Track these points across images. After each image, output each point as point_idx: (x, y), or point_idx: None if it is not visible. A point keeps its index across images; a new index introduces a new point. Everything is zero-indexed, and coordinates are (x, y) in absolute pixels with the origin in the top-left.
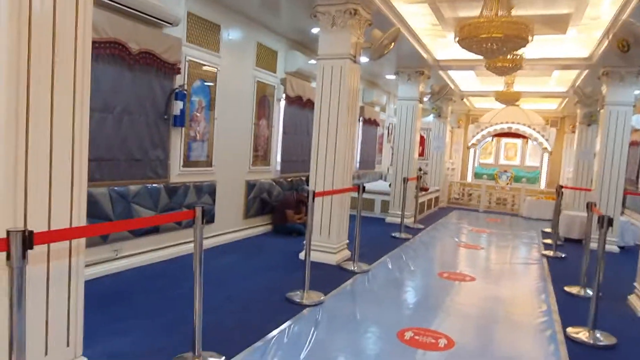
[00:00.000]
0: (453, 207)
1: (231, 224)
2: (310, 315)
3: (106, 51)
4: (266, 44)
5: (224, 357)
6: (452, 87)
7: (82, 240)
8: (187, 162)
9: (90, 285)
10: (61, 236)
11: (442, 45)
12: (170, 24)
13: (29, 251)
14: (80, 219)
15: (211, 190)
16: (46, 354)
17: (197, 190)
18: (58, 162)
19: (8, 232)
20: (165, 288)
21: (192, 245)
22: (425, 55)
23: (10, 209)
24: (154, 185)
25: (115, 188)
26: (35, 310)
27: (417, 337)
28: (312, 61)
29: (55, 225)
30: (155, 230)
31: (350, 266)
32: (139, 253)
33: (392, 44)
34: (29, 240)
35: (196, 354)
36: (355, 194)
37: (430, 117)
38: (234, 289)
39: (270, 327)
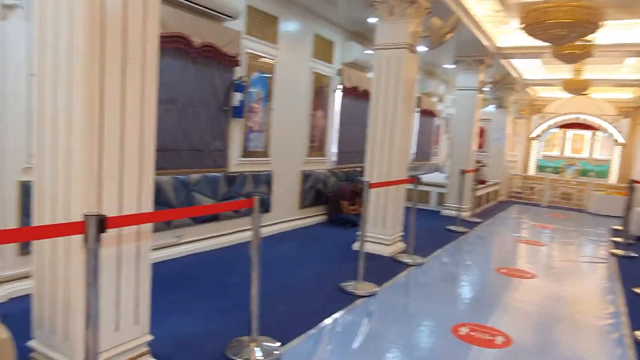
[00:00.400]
0: (513, 201)
1: (287, 214)
2: (364, 306)
3: (171, 45)
4: (323, 34)
5: (279, 343)
6: (515, 76)
7: (149, 225)
8: (246, 152)
9: (154, 269)
10: (131, 221)
11: (505, 32)
12: (231, 17)
13: (102, 234)
14: (148, 206)
15: (268, 180)
16: (117, 330)
17: (255, 179)
18: (128, 152)
19: (85, 216)
20: (223, 274)
21: (249, 233)
22: (486, 43)
23: (86, 196)
24: (213, 174)
25: (178, 177)
26: (107, 289)
27: (472, 333)
28: (369, 51)
29: (125, 211)
30: (214, 217)
31: (405, 258)
32: (199, 239)
33: (452, 32)
34: (103, 224)
35: (252, 337)
36: (410, 186)
37: (491, 108)
38: (289, 277)
39: (323, 315)
